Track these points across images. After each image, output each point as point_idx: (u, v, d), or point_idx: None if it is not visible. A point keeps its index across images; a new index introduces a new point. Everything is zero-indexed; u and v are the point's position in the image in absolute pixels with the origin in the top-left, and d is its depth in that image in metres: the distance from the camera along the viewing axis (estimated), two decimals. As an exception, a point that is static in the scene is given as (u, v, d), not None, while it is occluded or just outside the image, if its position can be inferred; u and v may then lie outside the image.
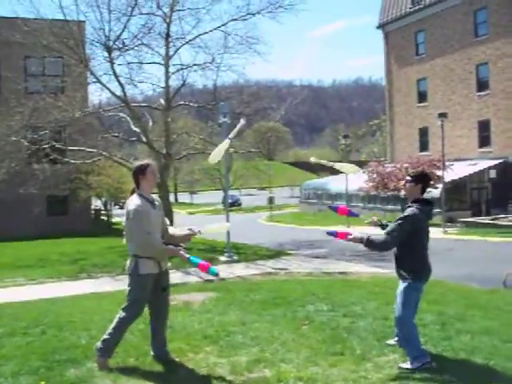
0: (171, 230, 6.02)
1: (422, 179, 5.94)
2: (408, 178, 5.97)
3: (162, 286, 5.80)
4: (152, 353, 5.94)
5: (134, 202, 5.63)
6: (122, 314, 5.72)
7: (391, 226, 5.77)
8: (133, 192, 5.79)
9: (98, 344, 5.71)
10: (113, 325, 5.73)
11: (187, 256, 5.56)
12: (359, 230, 6.07)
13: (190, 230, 5.91)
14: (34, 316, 8.53)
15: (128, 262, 5.74)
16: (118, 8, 19.68)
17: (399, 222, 5.69)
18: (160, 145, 21.66)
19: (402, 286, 5.78)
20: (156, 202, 5.82)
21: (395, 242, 5.71)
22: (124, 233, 5.78)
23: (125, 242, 5.78)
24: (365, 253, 17.20)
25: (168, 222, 6.11)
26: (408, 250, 5.74)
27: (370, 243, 5.70)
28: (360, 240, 5.69)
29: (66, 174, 27.94)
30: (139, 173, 5.73)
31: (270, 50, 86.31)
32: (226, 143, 6.09)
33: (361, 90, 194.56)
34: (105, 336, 5.72)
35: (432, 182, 29.85)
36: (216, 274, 5.71)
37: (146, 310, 5.91)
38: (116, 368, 5.64)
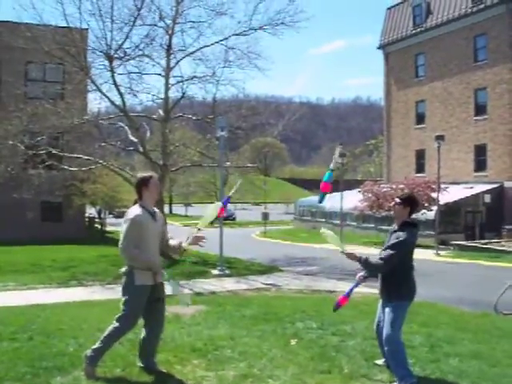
0: (171, 242, 6.02)
1: (411, 202, 6.07)
2: (397, 200, 6.08)
3: (158, 297, 5.76)
4: (140, 364, 5.90)
5: (133, 211, 5.65)
6: (115, 324, 5.67)
7: (388, 251, 5.80)
8: (135, 203, 5.80)
9: (88, 352, 5.67)
10: (105, 334, 5.69)
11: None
12: (352, 249, 6.07)
13: (180, 243, 5.88)
14: (22, 322, 8.49)
15: (123, 270, 5.72)
16: (121, 18, 19.77)
17: (396, 249, 5.76)
18: (157, 155, 21.67)
19: (391, 305, 5.82)
20: (157, 216, 5.82)
21: (390, 267, 5.80)
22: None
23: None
24: (356, 272, 17.20)
25: (169, 234, 6.09)
26: (400, 271, 5.84)
27: (367, 264, 5.89)
28: (358, 258, 5.88)
29: (62, 181, 27.89)
30: (142, 184, 5.75)
31: (271, 65, 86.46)
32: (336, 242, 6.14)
33: (359, 110, 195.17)
34: (96, 345, 5.68)
35: (426, 204, 29.96)
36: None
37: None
38: (102, 378, 5.61)
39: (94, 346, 5.68)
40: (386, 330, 5.76)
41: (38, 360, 6.18)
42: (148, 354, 5.88)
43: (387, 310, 5.83)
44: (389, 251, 5.78)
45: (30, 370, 5.81)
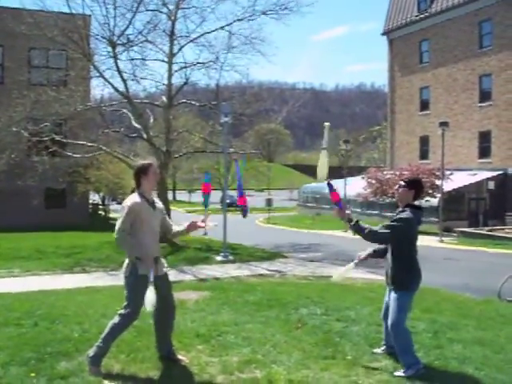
0: (174, 228, 5.92)
1: (416, 185, 5.90)
2: (401, 182, 5.91)
3: (162, 294, 5.58)
4: (159, 353, 5.85)
5: (131, 199, 5.54)
6: (117, 319, 5.54)
7: (384, 224, 5.76)
8: (133, 191, 5.73)
9: (90, 352, 5.51)
10: (107, 330, 5.54)
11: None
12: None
13: (192, 222, 5.79)
14: (27, 307, 8.52)
15: (126, 262, 5.60)
16: (124, 4, 19.68)
17: (393, 223, 5.67)
18: (160, 142, 21.64)
19: (397, 293, 5.75)
20: (157, 204, 5.71)
21: (383, 239, 5.74)
22: None
23: None
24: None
25: (171, 222, 5.95)
26: (406, 260, 5.73)
27: (357, 227, 5.68)
28: (347, 218, 5.71)
29: (65, 168, 27.90)
30: (141, 172, 5.62)
31: (274, 51, 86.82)
32: (324, 155, 5.84)
33: (363, 96, 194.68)
34: (98, 343, 5.54)
35: (430, 191, 29.91)
36: None
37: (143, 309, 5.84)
38: (107, 362, 5.62)
39: (97, 344, 5.53)
40: (391, 318, 5.73)
41: (43, 345, 6.20)
42: (166, 344, 5.83)
43: (393, 297, 5.77)
44: (386, 226, 5.67)
45: (35, 356, 5.83)
